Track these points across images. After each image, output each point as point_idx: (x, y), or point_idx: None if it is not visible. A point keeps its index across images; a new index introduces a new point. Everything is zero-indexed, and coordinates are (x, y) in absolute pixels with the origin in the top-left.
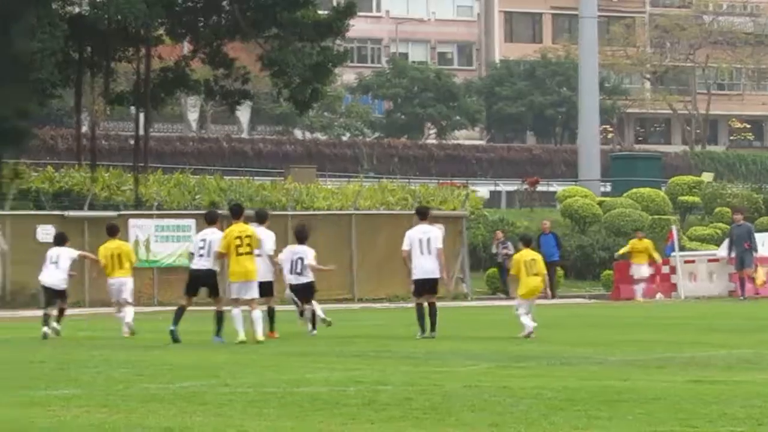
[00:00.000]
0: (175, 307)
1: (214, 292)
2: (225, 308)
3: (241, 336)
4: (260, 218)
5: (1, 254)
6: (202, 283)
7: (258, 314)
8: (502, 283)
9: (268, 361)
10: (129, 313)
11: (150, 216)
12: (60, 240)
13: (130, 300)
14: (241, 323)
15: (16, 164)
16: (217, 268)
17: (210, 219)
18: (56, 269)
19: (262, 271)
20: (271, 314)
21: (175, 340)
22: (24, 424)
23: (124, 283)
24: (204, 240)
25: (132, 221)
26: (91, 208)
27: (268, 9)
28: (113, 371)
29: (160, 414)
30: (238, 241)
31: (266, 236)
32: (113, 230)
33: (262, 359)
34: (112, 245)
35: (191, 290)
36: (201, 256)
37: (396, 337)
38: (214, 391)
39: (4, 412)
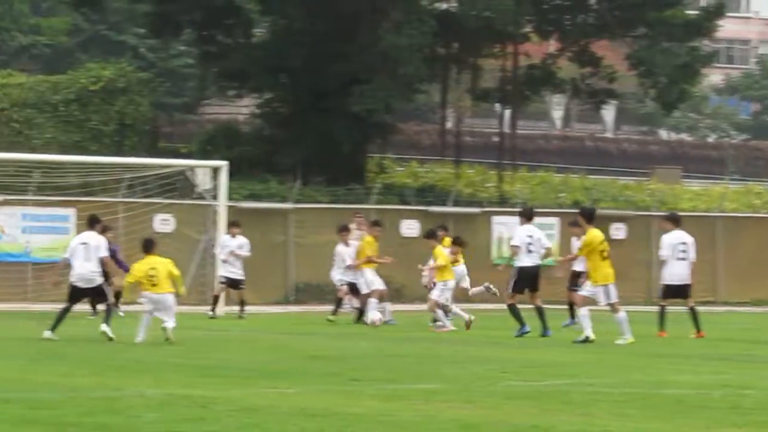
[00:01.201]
0: (530, 306)
1: (536, 287)
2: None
3: (589, 335)
4: (675, 221)
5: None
6: (531, 280)
7: (623, 316)
8: None
9: (632, 362)
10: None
11: (513, 214)
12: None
13: None
14: (589, 322)
15: (381, 159)
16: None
17: (528, 215)
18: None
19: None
20: (695, 314)
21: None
22: (388, 417)
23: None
24: (531, 236)
25: (495, 218)
26: (455, 204)
27: (637, 8)
28: (477, 367)
29: (524, 411)
30: (602, 246)
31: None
32: (431, 235)
33: (626, 360)
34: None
35: (520, 287)
36: (530, 252)
37: (761, 342)
38: (578, 390)
39: (369, 405)
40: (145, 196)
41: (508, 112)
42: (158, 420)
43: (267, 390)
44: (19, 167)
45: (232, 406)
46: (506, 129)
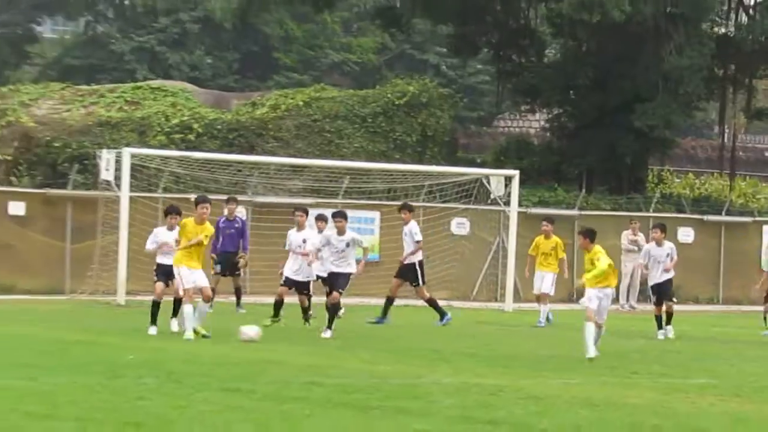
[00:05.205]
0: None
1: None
2: None
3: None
4: None
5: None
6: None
7: None
8: None
9: None
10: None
11: None
12: None
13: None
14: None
15: (660, 170)
16: None
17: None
18: None
19: None
20: None
21: None
22: (664, 408)
23: None
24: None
25: (766, 227)
26: (728, 213)
27: None
28: (746, 365)
29: None
30: None
31: None
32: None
33: None
34: None
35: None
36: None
37: None
38: None
39: (647, 396)
40: (443, 202)
41: None
42: (453, 405)
43: (552, 380)
44: (330, 173)
45: (519, 395)
46: None
